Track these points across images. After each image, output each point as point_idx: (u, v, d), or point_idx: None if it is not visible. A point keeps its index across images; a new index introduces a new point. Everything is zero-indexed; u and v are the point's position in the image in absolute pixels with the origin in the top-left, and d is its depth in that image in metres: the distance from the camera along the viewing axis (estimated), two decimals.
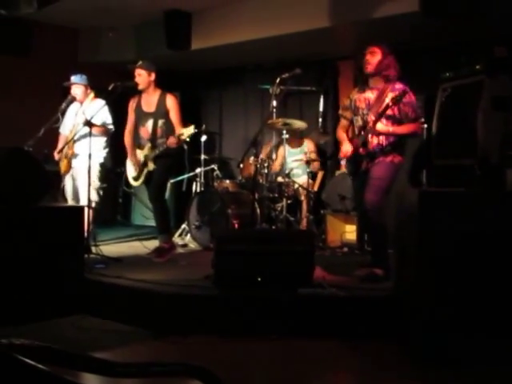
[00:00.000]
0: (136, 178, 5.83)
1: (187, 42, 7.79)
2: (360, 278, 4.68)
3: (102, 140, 6.21)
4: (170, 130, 5.69)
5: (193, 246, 6.84)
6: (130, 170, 5.92)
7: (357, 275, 4.76)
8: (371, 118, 4.70)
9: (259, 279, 4.23)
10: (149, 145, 5.71)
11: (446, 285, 3.41)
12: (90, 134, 5.71)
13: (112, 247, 6.48)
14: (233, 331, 4.00)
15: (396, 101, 4.49)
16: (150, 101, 5.79)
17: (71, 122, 6.33)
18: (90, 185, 5.70)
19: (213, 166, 7.72)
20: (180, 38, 7.74)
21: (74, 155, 6.15)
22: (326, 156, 4.97)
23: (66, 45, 8.68)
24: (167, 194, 6.26)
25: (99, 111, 5.93)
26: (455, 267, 3.40)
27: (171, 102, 5.72)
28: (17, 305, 4.04)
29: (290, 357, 3.70)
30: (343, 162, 7.39)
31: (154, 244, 6.08)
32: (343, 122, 5.12)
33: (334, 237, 6.72)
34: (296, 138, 7.55)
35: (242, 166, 6.96)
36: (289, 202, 6.86)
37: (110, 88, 5.69)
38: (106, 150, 6.31)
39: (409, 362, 3.50)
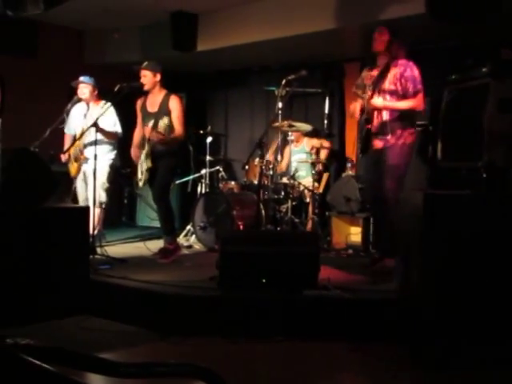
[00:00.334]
0: (140, 179, 5.85)
1: (193, 43, 7.80)
2: (374, 272, 4.74)
3: (111, 143, 6.25)
4: (170, 130, 5.68)
5: (198, 247, 6.84)
6: (138, 171, 5.93)
7: (370, 270, 4.81)
8: (369, 93, 4.80)
9: (264, 281, 4.23)
10: (147, 143, 5.72)
11: (450, 287, 3.40)
12: (96, 139, 5.73)
13: (117, 248, 6.49)
14: (237, 332, 3.99)
15: (381, 74, 4.76)
16: (154, 101, 5.80)
17: (78, 123, 6.34)
18: (95, 186, 5.71)
19: (218, 167, 7.73)
20: (186, 40, 7.74)
21: (86, 160, 6.18)
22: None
23: (72, 46, 8.70)
24: (172, 195, 6.26)
25: (107, 115, 5.94)
26: (459, 270, 3.39)
27: (174, 103, 5.72)
28: (22, 305, 4.05)
29: (294, 358, 3.69)
30: (349, 164, 7.46)
31: (158, 245, 6.09)
32: (356, 101, 5.21)
33: (338, 239, 6.71)
34: (298, 136, 7.55)
35: (247, 167, 6.97)
36: (294, 203, 6.86)
37: (115, 89, 5.71)
38: (115, 151, 6.34)
39: (413, 363, 3.50)
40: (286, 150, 7.40)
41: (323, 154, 7.43)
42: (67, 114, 6.39)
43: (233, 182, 7.45)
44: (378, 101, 4.82)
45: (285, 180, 6.99)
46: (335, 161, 7.97)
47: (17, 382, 1.08)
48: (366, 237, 6.37)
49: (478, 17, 5.29)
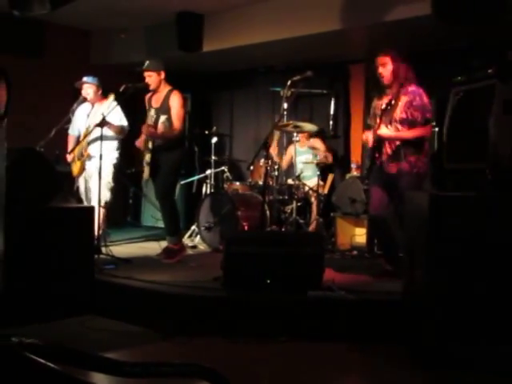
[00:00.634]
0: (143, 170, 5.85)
1: (199, 43, 7.80)
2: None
3: (115, 141, 6.25)
4: (171, 126, 5.69)
5: (202, 247, 6.84)
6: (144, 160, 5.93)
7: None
8: (376, 122, 4.77)
9: (268, 281, 4.23)
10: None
11: (455, 288, 3.39)
12: (102, 137, 5.74)
13: (122, 248, 6.50)
14: (242, 333, 4.00)
15: (387, 105, 4.68)
16: (158, 97, 5.82)
17: (82, 123, 6.36)
18: (100, 185, 5.72)
19: (223, 167, 7.73)
20: (191, 40, 7.75)
21: (89, 157, 6.18)
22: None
23: (78, 46, 8.72)
24: (177, 196, 6.26)
25: (113, 111, 5.95)
26: (465, 271, 3.39)
27: (174, 99, 5.72)
28: (27, 304, 4.06)
29: (297, 359, 3.69)
30: (354, 166, 7.46)
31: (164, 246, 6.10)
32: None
33: (343, 240, 6.70)
34: (304, 137, 7.55)
35: (252, 168, 6.97)
36: (299, 204, 6.86)
37: (121, 89, 5.72)
38: (119, 151, 6.34)
39: (417, 364, 3.49)
40: (290, 149, 7.38)
41: (329, 157, 7.43)
42: (72, 114, 6.40)
43: (238, 183, 7.45)
44: (384, 131, 4.78)
45: (290, 181, 6.99)
46: (339, 165, 7.95)
47: (22, 381, 1.08)
48: (370, 238, 6.36)
49: (484, 18, 5.27)
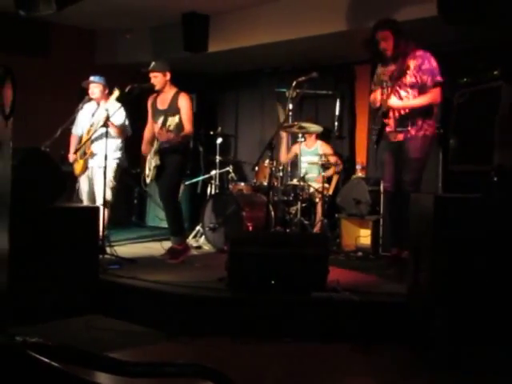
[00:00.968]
0: (148, 175, 5.84)
1: (204, 44, 7.81)
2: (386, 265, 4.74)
3: (118, 141, 6.25)
4: (180, 128, 5.68)
5: (207, 247, 6.85)
6: (147, 167, 5.92)
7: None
8: (387, 91, 4.77)
9: (273, 282, 4.23)
10: (156, 140, 5.74)
11: (459, 290, 3.39)
12: (107, 134, 5.74)
13: (126, 248, 6.51)
14: (246, 334, 3.99)
15: (400, 72, 4.69)
16: (164, 98, 5.81)
17: (86, 122, 6.35)
18: (105, 185, 5.72)
19: (228, 168, 7.73)
20: (197, 41, 7.76)
21: (92, 155, 6.18)
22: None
23: (84, 46, 8.74)
24: (181, 196, 6.27)
25: (117, 111, 5.95)
26: (469, 273, 3.38)
27: (183, 101, 5.73)
28: (31, 304, 4.07)
29: (301, 360, 3.69)
30: (359, 167, 7.45)
31: (169, 246, 6.10)
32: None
33: (348, 241, 6.69)
34: (312, 138, 7.54)
35: (257, 168, 6.97)
36: (303, 205, 6.85)
37: (126, 90, 5.73)
38: (121, 151, 6.34)
39: (421, 366, 3.49)
40: (295, 148, 7.37)
41: (339, 165, 7.43)
42: (77, 114, 6.40)
43: (242, 184, 7.45)
44: (394, 101, 4.79)
45: (294, 182, 6.99)
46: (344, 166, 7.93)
47: (26, 380, 1.08)
48: (375, 239, 6.35)
49: (490, 20, 5.27)
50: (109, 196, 6.13)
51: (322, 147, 7.52)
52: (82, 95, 6.43)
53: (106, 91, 6.34)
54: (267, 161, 6.72)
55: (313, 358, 3.71)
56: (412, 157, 4.81)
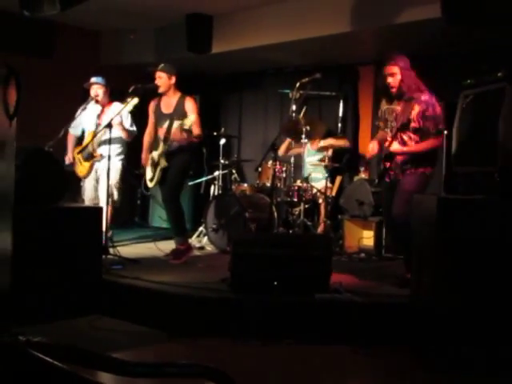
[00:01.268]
0: (151, 179, 5.84)
1: (208, 45, 7.81)
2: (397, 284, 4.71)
3: (123, 142, 6.27)
4: (192, 133, 5.68)
5: (210, 248, 6.85)
6: (147, 172, 5.94)
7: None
8: (389, 137, 4.73)
9: (275, 283, 4.23)
10: (162, 143, 5.73)
11: (463, 293, 3.38)
12: (110, 139, 5.75)
13: (129, 248, 6.51)
14: (248, 335, 3.99)
15: (403, 129, 4.60)
16: (169, 103, 5.82)
17: (90, 123, 6.34)
18: (108, 186, 5.73)
19: (231, 169, 7.73)
20: (201, 41, 7.76)
21: (101, 158, 6.17)
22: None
23: (88, 47, 8.74)
24: (184, 197, 6.27)
25: (122, 114, 5.96)
26: (473, 275, 3.38)
27: (190, 105, 5.74)
28: (34, 304, 4.07)
29: (304, 361, 3.69)
30: (362, 168, 7.44)
31: (170, 246, 6.10)
32: (379, 132, 5.14)
33: (351, 242, 6.69)
34: (316, 139, 7.52)
35: (260, 169, 6.97)
36: (306, 206, 6.85)
37: (130, 90, 5.73)
38: (125, 152, 6.36)
39: (423, 369, 3.48)
40: (296, 147, 7.38)
41: (346, 143, 7.40)
42: (79, 114, 6.39)
43: (245, 184, 7.45)
44: (396, 147, 4.72)
45: (298, 183, 6.99)
46: (347, 167, 7.91)
47: (29, 379, 1.09)
48: (378, 241, 6.35)
49: (493, 21, 5.26)
50: (116, 196, 6.17)
51: (324, 142, 7.50)
52: (86, 95, 6.43)
53: (108, 92, 6.34)
54: (270, 162, 6.73)
55: (314, 360, 3.70)
56: (404, 188, 4.70)
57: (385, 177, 4.88)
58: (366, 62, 7.92)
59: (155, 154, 5.77)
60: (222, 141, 7.79)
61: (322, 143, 7.39)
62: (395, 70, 4.73)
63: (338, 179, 7.53)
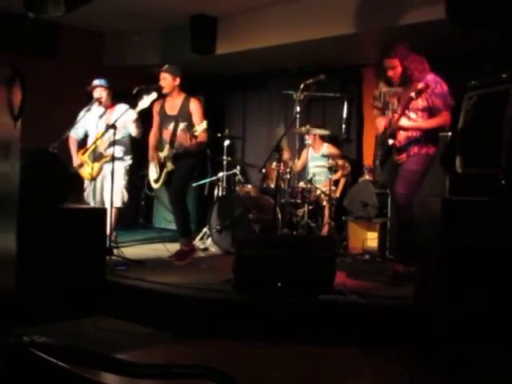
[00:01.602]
0: (157, 180, 5.84)
1: (212, 46, 7.82)
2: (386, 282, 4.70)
3: (128, 143, 6.29)
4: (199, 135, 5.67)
5: (214, 249, 6.85)
6: (152, 173, 5.94)
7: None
8: (397, 112, 4.71)
9: (279, 284, 4.23)
10: (168, 146, 5.73)
11: (467, 296, 3.38)
12: (114, 141, 5.75)
13: (134, 249, 6.52)
14: (252, 336, 3.99)
15: (417, 94, 4.51)
16: (173, 104, 5.82)
17: (93, 125, 6.33)
18: (113, 187, 5.72)
19: (235, 170, 7.73)
20: (205, 43, 7.77)
21: (112, 159, 6.16)
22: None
23: (92, 48, 8.76)
24: (188, 198, 6.27)
25: (128, 114, 5.97)
26: (477, 278, 3.37)
27: (194, 106, 5.74)
28: (38, 304, 4.07)
29: (307, 363, 3.68)
30: (366, 170, 7.43)
31: (175, 247, 6.10)
32: (375, 112, 5.13)
33: (355, 244, 6.68)
34: (318, 142, 7.54)
35: (264, 171, 6.97)
36: (310, 207, 6.85)
37: (134, 91, 5.73)
38: (131, 153, 6.37)
39: (426, 371, 3.48)
40: (304, 152, 7.41)
41: (347, 167, 7.42)
42: (82, 116, 6.38)
43: (249, 186, 7.46)
44: (405, 122, 4.71)
45: (302, 184, 6.99)
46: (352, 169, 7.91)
47: (33, 380, 1.09)
48: (382, 242, 6.34)
49: (498, 22, 5.25)
50: (126, 197, 6.20)
51: (327, 149, 7.51)
52: (90, 96, 6.44)
53: (111, 94, 6.35)
54: (274, 163, 6.73)
55: (318, 361, 3.70)
56: (407, 168, 4.71)
57: (390, 155, 4.85)
58: (370, 63, 7.90)
59: (161, 155, 5.77)
60: (226, 142, 7.79)
61: (326, 151, 7.39)
62: (395, 62, 4.72)
63: (342, 180, 7.53)
